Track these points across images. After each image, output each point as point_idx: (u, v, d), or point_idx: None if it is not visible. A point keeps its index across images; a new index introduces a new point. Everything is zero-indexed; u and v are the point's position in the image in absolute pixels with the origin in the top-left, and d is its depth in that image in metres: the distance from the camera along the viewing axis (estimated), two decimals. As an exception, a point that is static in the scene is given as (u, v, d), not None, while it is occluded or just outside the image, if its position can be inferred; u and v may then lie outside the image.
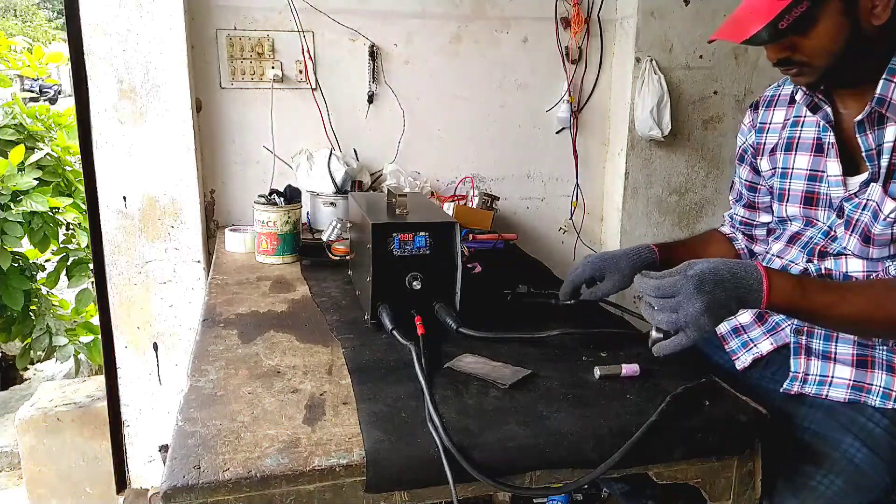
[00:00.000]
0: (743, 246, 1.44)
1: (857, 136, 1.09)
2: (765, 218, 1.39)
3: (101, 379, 2.17)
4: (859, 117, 1.08)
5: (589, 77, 2.30)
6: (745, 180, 1.38)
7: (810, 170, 1.20)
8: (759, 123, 1.32)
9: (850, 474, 1.03)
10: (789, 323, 1.22)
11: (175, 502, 0.75)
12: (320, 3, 2.02)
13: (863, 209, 1.11)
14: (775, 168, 1.27)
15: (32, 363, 3.23)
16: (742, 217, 1.43)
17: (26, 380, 3.36)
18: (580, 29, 2.22)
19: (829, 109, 1.16)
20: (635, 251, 1.29)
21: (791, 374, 1.18)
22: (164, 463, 0.80)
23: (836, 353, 1.15)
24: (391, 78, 2.14)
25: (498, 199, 2.15)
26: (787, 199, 1.25)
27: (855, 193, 1.12)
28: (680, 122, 2.27)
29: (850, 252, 1.14)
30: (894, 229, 1.06)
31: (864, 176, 1.11)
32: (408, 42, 2.13)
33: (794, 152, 1.23)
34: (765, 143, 1.30)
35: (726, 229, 1.49)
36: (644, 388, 1.01)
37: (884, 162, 1.06)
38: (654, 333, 1.03)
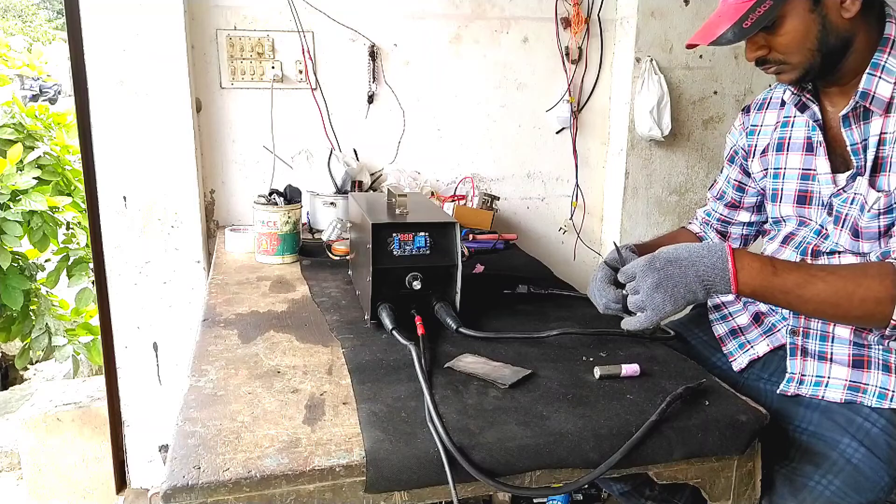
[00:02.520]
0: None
1: (843, 130, 1.10)
2: (743, 217, 1.41)
3: (101, 379, 2.17)
4: (844, 111, 1.09)
5: (589, 77, 2.30)
6: (734, 180, 1.39)
7: (802, 169, 1.21)
8: (750, 126, 1.33)
9: (849, 474, 1.04)
10: (785, 324, 1.22)
11: (175, 502, 0.75)
12: (320, 3, 2.02)
13: (851, 203, 1.11)
14: (767, 169, 1.28)
15: (32, 363, 3.23)
16: (720, 215, 1.44)
17: (26, 380, 3.36)
18: (580, 29, 2.22)
19: (816, 108, 1.17)
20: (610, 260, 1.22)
21: (788, 375, 1.18)
22: (164, 463, 0.80)
23: (832, 354, 1.15)
24: (391, 78, 2.14)
25: (498, 199, 2.15)
26: (781, 199, 1.25)
27: (843, 188, 1.13)
28: (680, 122, 2.27)
29: (842, 248, 1.15)
30: (881, 221, 1.07)
31: (851, 171, 1.12)
32: (408, 42, 2.13)
33: (785, 152, 1.24)
34: (756, 146, 1.31)
35: (695, 227, 1.50)
36: (644, 388, 1.01)
37: (870, 155, 1.07)
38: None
